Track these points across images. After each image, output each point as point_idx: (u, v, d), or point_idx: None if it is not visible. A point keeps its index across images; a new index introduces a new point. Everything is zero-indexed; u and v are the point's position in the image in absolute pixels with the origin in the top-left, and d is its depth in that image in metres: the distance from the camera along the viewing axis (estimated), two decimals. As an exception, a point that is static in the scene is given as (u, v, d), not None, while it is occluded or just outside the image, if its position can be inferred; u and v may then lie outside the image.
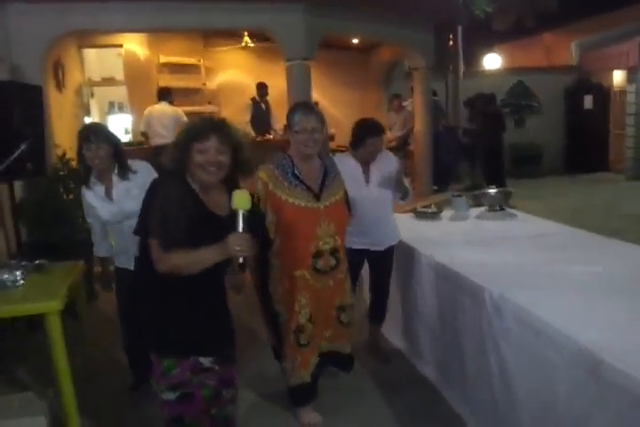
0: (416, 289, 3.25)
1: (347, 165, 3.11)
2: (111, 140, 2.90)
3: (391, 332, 3.76)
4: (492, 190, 4.13)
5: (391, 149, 8.83)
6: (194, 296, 2.04)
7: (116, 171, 2.93)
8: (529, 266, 2.71)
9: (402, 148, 8.94)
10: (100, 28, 6.30)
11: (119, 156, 2.93)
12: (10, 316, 2.55)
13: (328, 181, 2.71)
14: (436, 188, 8.87)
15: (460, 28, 11.09)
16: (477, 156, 8.81)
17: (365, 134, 3.20)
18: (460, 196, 4.10)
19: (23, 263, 3.15)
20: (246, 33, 8.73)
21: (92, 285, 4.80)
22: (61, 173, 4.57)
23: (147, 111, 7.60)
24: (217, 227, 1.96)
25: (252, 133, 8.03)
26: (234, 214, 1.90)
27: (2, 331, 3.86)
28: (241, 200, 1.91)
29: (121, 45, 8.41)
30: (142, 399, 3.06)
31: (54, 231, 4.36)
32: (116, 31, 7.32)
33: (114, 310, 3.20)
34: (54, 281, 2.94)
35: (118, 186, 2.94)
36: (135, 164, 2.98)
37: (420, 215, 4.03)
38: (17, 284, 2.87)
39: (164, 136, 7.19)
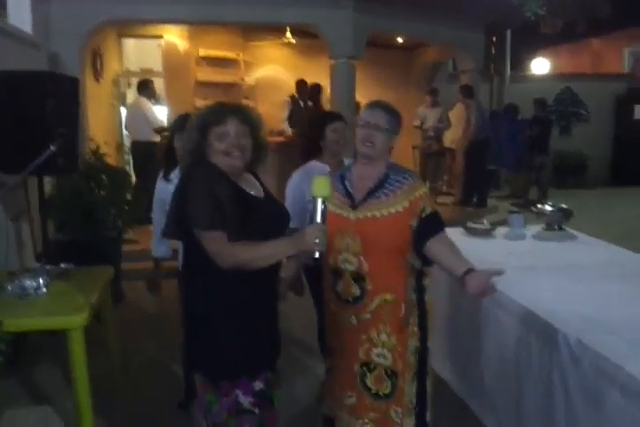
0: (468, 317, 2.95)
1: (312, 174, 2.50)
2: None
3: (438, 360, 3.31)
4: (551, 208, 3.81)
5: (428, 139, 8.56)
6: (256, 303, 1.84)
7: None
8: (607, 304, 2.39)
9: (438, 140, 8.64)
10: (140, 18, 6.14)
11: None
12: (29, 330, 2.33)
13: (381, 190, 2.12)
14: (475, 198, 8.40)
15: (508, 31, 10.70)
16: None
17: (324, 122, 2.85)
18: (517, 212, 3.77)
19: (48, 267, 2.96)
20: (288, 29, 8.49)
21: (119, 285, 4.61)
22: (94, 166, 4.37)
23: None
24: (260, 211, 1.84)
25: (290, 131, 7.85)
26: (268, 199, 1.90)
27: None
28: (320, 187, 1.75)
29: (161, 36, 8.22)
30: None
31: (84, 229, 4.17)
32: (157, 22, 7.15)
33: (138, 313, 2.95)
34: (80, 290, 2.73)
35: None
36: None
37: (472, 231, 3.71)
38: (39, 292, 2.67)
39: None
